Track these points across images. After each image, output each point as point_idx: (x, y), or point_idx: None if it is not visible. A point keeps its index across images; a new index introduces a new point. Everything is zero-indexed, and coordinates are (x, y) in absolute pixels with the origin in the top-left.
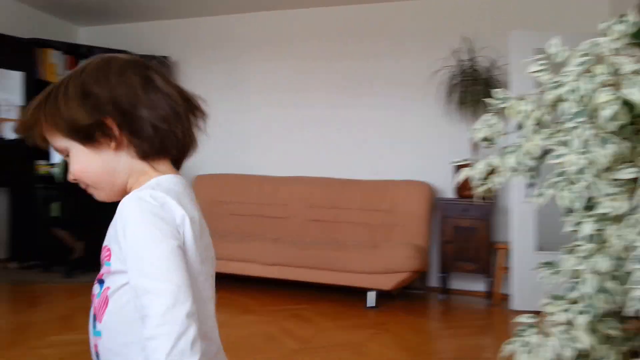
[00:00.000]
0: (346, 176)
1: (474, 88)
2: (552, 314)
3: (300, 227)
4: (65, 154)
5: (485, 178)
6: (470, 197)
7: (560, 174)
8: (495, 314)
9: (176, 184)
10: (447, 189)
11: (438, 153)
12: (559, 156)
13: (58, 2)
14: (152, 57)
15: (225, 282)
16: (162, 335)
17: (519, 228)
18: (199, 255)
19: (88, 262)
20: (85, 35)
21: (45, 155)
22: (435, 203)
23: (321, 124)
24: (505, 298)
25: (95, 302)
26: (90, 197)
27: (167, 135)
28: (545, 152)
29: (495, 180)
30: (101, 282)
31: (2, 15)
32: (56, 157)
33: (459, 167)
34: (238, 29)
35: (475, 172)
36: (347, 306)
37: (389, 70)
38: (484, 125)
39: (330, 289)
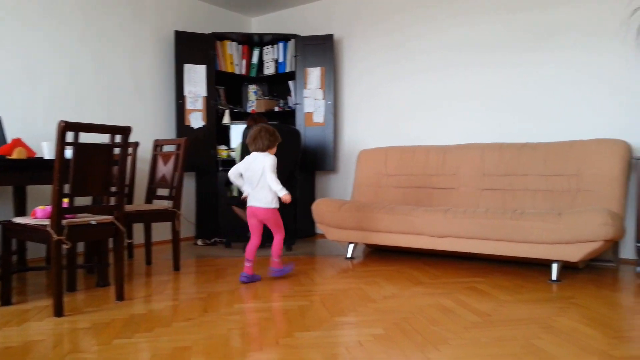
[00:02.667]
0: (521, 140)
1: None
2: None
3: (471, 197)
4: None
5: None
6: None
7: None
8: None
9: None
10: None
11: (638, 108)
12: None
13: None
14: (318, 37)
15: (393, 255)
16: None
17: None
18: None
19: (263, 238)
20: (256, 24)
21: (226, 141)
22: (633, 163)
23: (490, 86)
24: None
25: None
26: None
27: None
28: None
29: None
30: None
31: (186, 15)
32: (234, 142)
33: None
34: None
35: None
36: (527, 279)
37: (571, 18)
38: None
39: (505, 262)
